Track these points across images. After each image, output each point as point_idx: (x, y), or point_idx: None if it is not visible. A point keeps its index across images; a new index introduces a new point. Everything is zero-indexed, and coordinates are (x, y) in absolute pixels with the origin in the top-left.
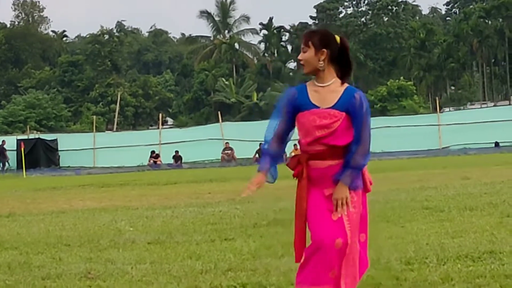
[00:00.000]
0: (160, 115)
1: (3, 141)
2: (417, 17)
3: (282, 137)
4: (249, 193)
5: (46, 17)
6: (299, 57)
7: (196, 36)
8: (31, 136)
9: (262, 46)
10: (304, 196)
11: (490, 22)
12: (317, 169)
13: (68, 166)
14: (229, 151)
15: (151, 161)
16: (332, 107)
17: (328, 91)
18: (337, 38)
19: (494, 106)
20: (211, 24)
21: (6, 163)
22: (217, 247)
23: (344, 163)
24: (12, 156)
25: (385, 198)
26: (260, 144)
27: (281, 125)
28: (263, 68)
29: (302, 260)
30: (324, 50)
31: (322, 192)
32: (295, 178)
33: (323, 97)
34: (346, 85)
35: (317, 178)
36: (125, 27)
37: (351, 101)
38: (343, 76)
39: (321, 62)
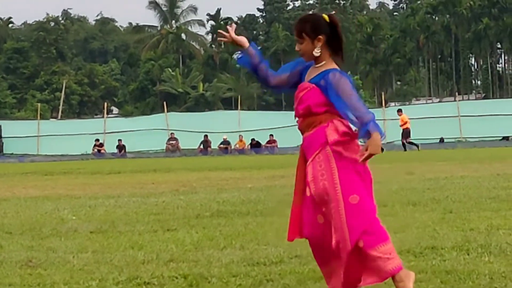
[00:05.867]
0: (105, 104)
1: None
2: (365, 12)
3: (278, 74)
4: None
5: None
6: (296, 48)
7: (143, 25)
8: None
9: (209, 37)
10: (302, 169)
11: (437, 18)
12: (303, 139)
13: (12, 153)
14: (174, 142)
15: (95, 149)
16: (308, 81)
17: (316, 70)
18: (326, 17)
19: (440, 102)
20: (159, 14)
21: None
22: (160, 238)
23: (360, 126)
24: None
25: None
26: (205, 135)
27: (283, 70)
28: (209, 59)
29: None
30: (320, 36)
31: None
32: None
33: (310, 74)
34: (332, 66)
35: (304, 150)
36: (71, 15)
37: (325, 77)
38: (336, 51)
39: (318, 49)
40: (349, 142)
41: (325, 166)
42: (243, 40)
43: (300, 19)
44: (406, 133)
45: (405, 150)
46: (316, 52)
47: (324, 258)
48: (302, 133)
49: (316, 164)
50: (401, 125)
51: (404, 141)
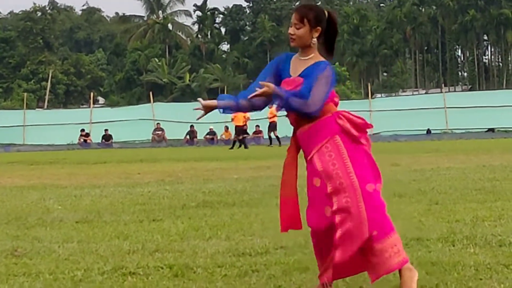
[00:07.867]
0: (92, 94)
1: None
2: (351, 3)
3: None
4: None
5: None
6: (291, 31)
7: (129, 15)
8: None
9: (196, 27)
10: (292, 162)
11: (423, 10)
12: (302, 133)
13: None
14: (160, 132)
15: (81, 139)
16: (298, 75)
17: (304, 62)
18: (325, 12)
19: (426, 93)
20: (145, 4)
21: None
22: (145, 228)
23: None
24: None
25: None
26: (191, 126)
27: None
28: (196, 50)
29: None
30: (319, 28)
31: (307, 159)
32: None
33: (297, 67)
34: (322, 59)
35: (303, 143)
36: (58, 5)
37: (313, 68)
38: (330, 48)
39: (314, 39)
40: (360, 131)
41: (336, 155)
42: (212, 103)
43: (305, 5)
44: (273, 126)
45: (271, 144)
46: (313, 42)
47: (324, 251)
48: (297, 127)
49: (324, 154)
50: (269, 118)
51: (271, 135)
